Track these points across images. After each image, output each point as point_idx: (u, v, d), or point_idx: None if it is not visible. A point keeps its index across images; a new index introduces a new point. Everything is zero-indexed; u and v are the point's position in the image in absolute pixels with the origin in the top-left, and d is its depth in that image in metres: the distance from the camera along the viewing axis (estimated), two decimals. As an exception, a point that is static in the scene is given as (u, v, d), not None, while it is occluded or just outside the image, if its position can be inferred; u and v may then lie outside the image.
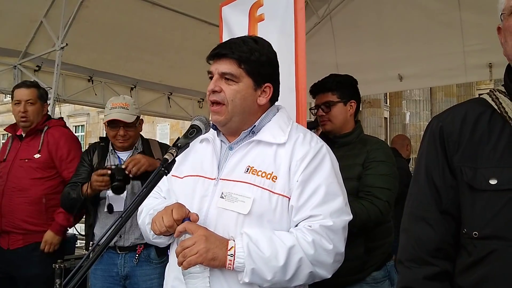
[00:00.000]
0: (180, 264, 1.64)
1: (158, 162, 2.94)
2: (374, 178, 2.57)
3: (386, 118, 25.24)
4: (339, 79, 2.88)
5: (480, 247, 1.33)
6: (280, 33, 2.53)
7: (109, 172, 2.87)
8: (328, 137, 2.91)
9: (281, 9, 2.53)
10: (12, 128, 3.84)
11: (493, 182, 1.31)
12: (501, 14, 1.41)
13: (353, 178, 2.64)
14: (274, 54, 1.92)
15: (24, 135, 3.74)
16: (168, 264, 1.96)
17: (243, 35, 1.93)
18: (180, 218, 1.71)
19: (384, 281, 2.67)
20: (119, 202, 3.00)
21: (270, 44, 1.93)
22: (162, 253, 3.00)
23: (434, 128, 1.50)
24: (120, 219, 1.45)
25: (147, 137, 3.42)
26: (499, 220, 1.29)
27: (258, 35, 2.64)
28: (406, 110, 22.19)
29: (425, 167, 1.50)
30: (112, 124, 3.07)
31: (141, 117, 3.24)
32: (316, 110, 2.90)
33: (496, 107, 1.41)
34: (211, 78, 1.84)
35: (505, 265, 1.27)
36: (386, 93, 23.69)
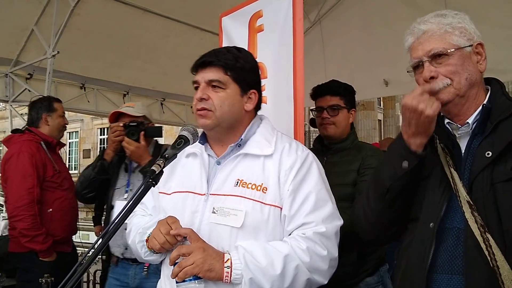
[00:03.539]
0: (175, 275, 1.64)
1: (148, 158, 3.00)
2: None
3: (380, 120, 25.30)
4: (345, 86, 2.92)
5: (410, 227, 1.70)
6: (279, 43, 2.57)
7: (122, 124, 3.02)
8: (322, 143, 2.92)
9: (280, 20, 2.57)
10: (47, 138, 3.91)
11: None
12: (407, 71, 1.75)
13: (348, 184, 2.66)
14: (256, 62, 1.97)
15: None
16: (159, 281, 1.95)
17: (225, 46, 1.96)
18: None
19: (378, 287, 2.67)
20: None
21: (251, 54, 1.99)
22: None
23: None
24: (109, 228, 1.44)
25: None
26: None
27: (258, 45, 2.70)
28: (400, 112, 22.27)
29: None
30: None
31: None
32: (316, 112, 2.91)
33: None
34: (196, 88, 1.85)
35: (422, 233, 1.61)
36: (387, 96, 23.75)
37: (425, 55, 1.65)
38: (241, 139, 1.86)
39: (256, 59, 2.63)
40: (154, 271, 3.02)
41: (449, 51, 1.62)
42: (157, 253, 1.84)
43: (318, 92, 2.92)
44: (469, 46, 1.64)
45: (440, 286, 1.54)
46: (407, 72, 1.77)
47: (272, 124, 1.98)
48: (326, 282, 1.76)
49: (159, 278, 2.95)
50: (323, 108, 2.86)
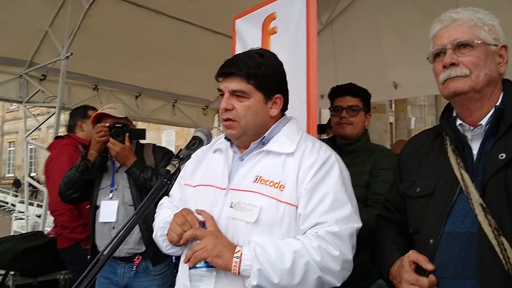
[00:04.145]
0: (187, 259, 1.67)
1: (133, 159, 3.03)
2: (382, 186, 2.58)
3: (392, 123, 25.18)
4: (365, 90, 2.94)
5: (415, 240, 1.73)
6: (292, 45, 2.58)
7: (107, 124, 3.03)
8: (335, 144, 2.93)
9: (294, 22, 2.58)
10: (83, 141, 4.17)
11: (417, 190, 1.74)
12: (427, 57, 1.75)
13: (360, 186, 2.66)
14: (280, 64, 1.95)
15: None
16: (178, 272, 1.98)
17: (249, 50, 1.95)
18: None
19: (389, 289, 2.66)
20: (111, 211, 3.04)
21: (275, 56, 1.96)
22: (158, 262, 3.01)
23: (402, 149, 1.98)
24: (125, 228, 1.45)
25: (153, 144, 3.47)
26: (417, 219, 1.73)
27: (271, 48, 2.71)
28: (411, 115, 22.16)
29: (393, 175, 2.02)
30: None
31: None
32: (334, 111, 2.92)
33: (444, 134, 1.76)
34: (221, 95, 1.87)
35: (422, 250, 1.64)
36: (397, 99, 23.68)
37: (450, 43, 1.64)
38: (264, 136, 1.88)
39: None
40: (143, 270, 3.04)
41: (475, 41, 1.61)
42: (177, 245, 1.87)
43: (338, 92, 2.93)
44: (495, 45, 1.63)
45: None
46: (427, 58, 1.75)
47: (298, 125, 1.99)
48: (339, 284, 1.74)
49: (148, 277, 3.03)
50: (342, 107, 2.87)
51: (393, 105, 25.45)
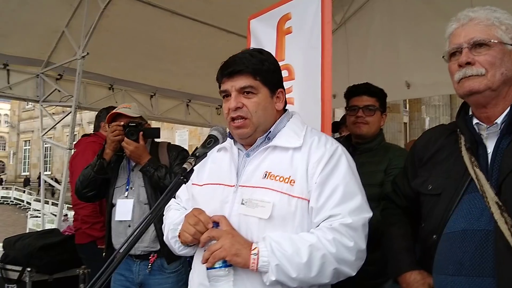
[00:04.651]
0: (205, 259, 1.68)
1: (147, 157, 3.05)
2: None
3: (406, 123, 25.05)
4: (381, 90, 2.94)
5: (424, 234, 1.76)
6: (307, 45, 2.59)
7: (122, 123, 3.05)
8: (349, 143, 2.93)
9: (309, 22, 2.59)
10: None
11: (429, 187, 1.76)
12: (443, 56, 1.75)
13: (375, 185, 2.67)
14: (277, 61, 2.00)
15: None
16: (191, 271, 1.99)
17: (246, 50, 1.97)
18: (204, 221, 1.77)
19: (403, 287, 2.65)
20: (126, 210, 3.07)
21: (271, 54, 2.01)
22: (173, 260, 3.04)
23: (415, 142, 1.98)
24: (141, 226, 1.47)
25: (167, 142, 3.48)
26: (429, 216, 1.75)
27: (286, 47, 2.72)
28: (426, 115, 21.99)
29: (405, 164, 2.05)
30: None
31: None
32: (350, 111, 2.92)
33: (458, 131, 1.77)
34: (224, 97, 1.88)
35: (425, 244, 1.71)
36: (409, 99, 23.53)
37: (466, 42, 1.63)
38: (270, 131, 1.89)
39: (284, 61, 2.69)
40: (158, 268, 3.06)
41: (491, 41, 1.60)
42: (190, 245, 1.88)
43: (354, 92, 2.94)
44: (511, 44, 1.63)
45: None
46: (442, 57, 1.75)
47: (302, 119, 2.00)
48: (354, 273, 1.76)
49: (163, 275, 3.05)
50: (358, 107, 2.88)
51: (407, 105, 25.31)
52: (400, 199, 2.03)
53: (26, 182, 40.40)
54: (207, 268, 1.70)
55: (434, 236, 1.66)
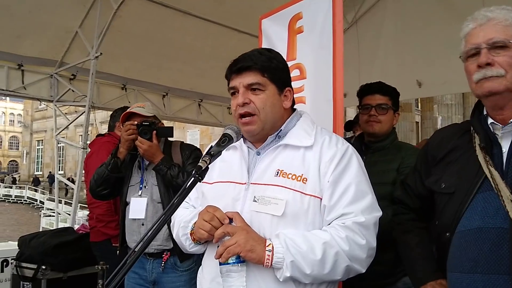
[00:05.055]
0: (219, 255, 1.69)
1: (161, 156, 3.08)
2: None
3: (418, 122, 24.91)
4: (394, 88, 2.94)
5: (437, 232, 1.76)
6: (318, 45, 2.59)
7: (135, 122, 3.08)
8: (362, 142, 2.94)
9: (320, 21, 2.59)
10: None
11: (442, 186, 1.77)
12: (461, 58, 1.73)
13: (387, 183, 2.68)
14: (285, 61, 2.02)
15: None
16: (200, 268, 2.01)
17: (256, 48, 1.99)
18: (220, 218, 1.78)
19: (415, 287, 2.66)
20: (140, 208, 3.10)
21: (280, 54, 2.03)
22: (186, 258, 3.06)
23: (428, 141, 1.97)
24: (156, 225, 1.49)
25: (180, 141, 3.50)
26: (442, 214, 1.75)
27: (297, 47, 2.73)
28: (438, 114, 21.88)
29: (417, 163, 2.04)
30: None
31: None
32: (363, 109, 2.93)
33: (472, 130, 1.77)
34: (233, 93, 1.90)
35: (438, 242, 1.72)
36: (420, 98, 23.39)
37: (485, 42, 1.62)
38: (281, 130, 1.91)
39: (296, 60, 2.70)
40: (171, 266, 3.08)
41: (510, 41, 1.60)
42: (201, 243, 1.90)
43: (367, 90, 2.94)
44: None
45: (486, 287, 1.54)
46: (459, 57, 1.74)
47: (312, 119, 2.02)
48: (364, 270, 1.79)
49: (176, 273, 3.06)
50: (371, 106, 2.88)
51: (419, 104, 25.18)
52: (412, 200, 2.02)
53: (36, 181, 40.81)
54: (220, 263, 1.71)
55: (447, 234, 1.67)
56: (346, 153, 1.85)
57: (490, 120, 1.71)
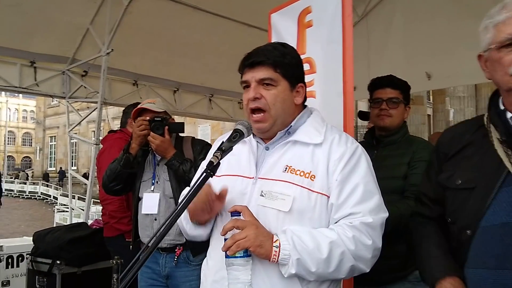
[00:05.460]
0: (227, 247, 1.69)
1: (173, 151, 3.10)
2: (421, 178, 2.58)
3: (429, 115, 24.71)
4: (405, 82, 2.94)
5: (451, 229, 1.74)
6: (328, 39, 2.59)
7: (147, 118, 3.11)
8: (373, 135, 2.94)
9: (330, 15, 2.58)
10: None
11: (458, 182, 1.72)
12: (488, 48, 1.65)
13: (398, 177, 2.68)
14: (300, 56, 2.01)
15: None
16: (205, 260, 2.02)
17: (270, 43, 2.00)
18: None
19: (427, 280, 2.66)
20: (152, 204, 3.12)
21: (295, 48, 2.03)
22: (198, 253, 3.08)
23: (438, 140, 1.92)
24: (168, 220, 1.51)
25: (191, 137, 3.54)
26: (457, 210, 1.71)
27: (307, 41, 2.73)
28: (450, 107, 21.69)
29: (427, 168, 2.00)
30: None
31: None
32: (374, 103, 2.92)
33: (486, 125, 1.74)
34: (245, 87, 1.91)
35: (458, 240, 1.68)
36: (429, 90, 23.16)
37: None
38: (291, 126, 1.91)
39: (305, 54, 2.69)
40: (184, 260, 3.10)
41: None
42: (199, 225, 1.90)
43: (378, 84, 2.93)
44: None
45: None
46: (488, 48, 1.65)
47: (322, 116, 2.02)
48: (368, 270, 1.79)
49: (189, 267, 3.08)
50: (382, 99, 2.87)
51: (431, 97, 24.97)
52: (430, 209, 1.92)
53: (46, 177, 41.22)
54: (227, 256, 1.71)
55: (468, 232, 1.62)
56: (355, 153, 1.86)
57: (509, 115, 1.68)
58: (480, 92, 21.48)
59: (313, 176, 1.80)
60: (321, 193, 1.79)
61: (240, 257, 1.70)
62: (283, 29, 2.96)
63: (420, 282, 2.64)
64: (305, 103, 2.03)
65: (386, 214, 1.84)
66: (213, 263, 1.91)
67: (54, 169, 44.25)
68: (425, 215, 1.94)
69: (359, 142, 1.98)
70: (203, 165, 2.11)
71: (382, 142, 2.87)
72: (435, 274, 1.74)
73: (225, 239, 1.72)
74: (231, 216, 1.75)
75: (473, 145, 1.75)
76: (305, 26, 2.77)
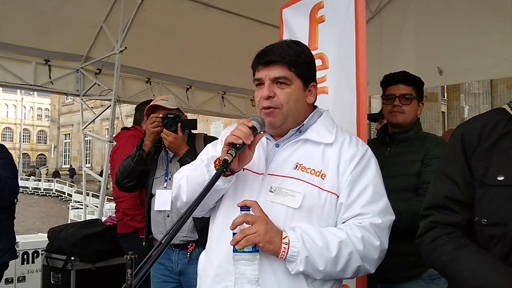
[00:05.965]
0: (235, 241, 1.68)
1: (186, 148, 3.09)
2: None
3: (444, 112, 24.51)
4: (418, 78, 2.91)
5: (486, 232, 1.52)
6: (340, 34, 2.58)
7: (160, 115, 3.12)
8: (386, 132, 2.92)
9: (342, 10, 2.57)
10: None
11: (500, 178, 1.52)
12: None
13: (412, 175, 2.66)
14: (313, 55, 2.01)
15: None
16: (203, 253, 2.05)
17: (284, 40, 1.99)
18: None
19: (440, 278, 2.63)
20: (165, 200, 3.13)
21: (308, 47, 2.03)
22: None
23: (457, 135, 1.70)
24: (182, 217, 1.51)
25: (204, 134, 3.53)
26: (502, 210, 1.49)
27: (319, 36, 2.72)
28: (465, 103, 21.46)
29: (445, 167, 1.71)
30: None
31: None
32: (387, 100, 2.90)
33: None
34: (258, 84, 1.90)
35: (505, 246, 1.47)
36: (444, 87, 22.93)
37: None
38: (303, 124, 1.91)
39: (317, 50, 2.68)
40: (196, 257, 3.09)
41: None
42: (232, 178, 1.83)
43: (391, 80, 2.90)
44: None
45: None
46: None
47: (332, 117, 2.02)
48: (373, 271, 1.80)
49: None
50: (394, 96, 2.85)
51: (445, 94, 24.76)
52: (460, 215, 1.61)
53: (56, 174, 41.64)
54: (235, 251, 1.70)
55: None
56: (365, 155, 1.87)
57: None
58: (495, 89, 21.23)
59: (323, 175, 1.80)
60: (331, 192, 1.79)
61: (249, 252, 1.69)
62: (295, 24, 2.95)
63: (434, 281, 2.65)
64: (316, 101, 2.02)
65: (393, 217, 1.85)
66: (216, 257, 1.90)
67: (68, 166, 44.67)
68: (450, 224, 1.62)
69: (372, 139, 1.98)
70: (208, 148, 2.14)
71: (395, 139, 2.85)
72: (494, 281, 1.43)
73: (234, 234, 1.71)
74: (241, 210, 1.74)
75: (506, 138, 1.58)
76: (317, 21, 2.75)
